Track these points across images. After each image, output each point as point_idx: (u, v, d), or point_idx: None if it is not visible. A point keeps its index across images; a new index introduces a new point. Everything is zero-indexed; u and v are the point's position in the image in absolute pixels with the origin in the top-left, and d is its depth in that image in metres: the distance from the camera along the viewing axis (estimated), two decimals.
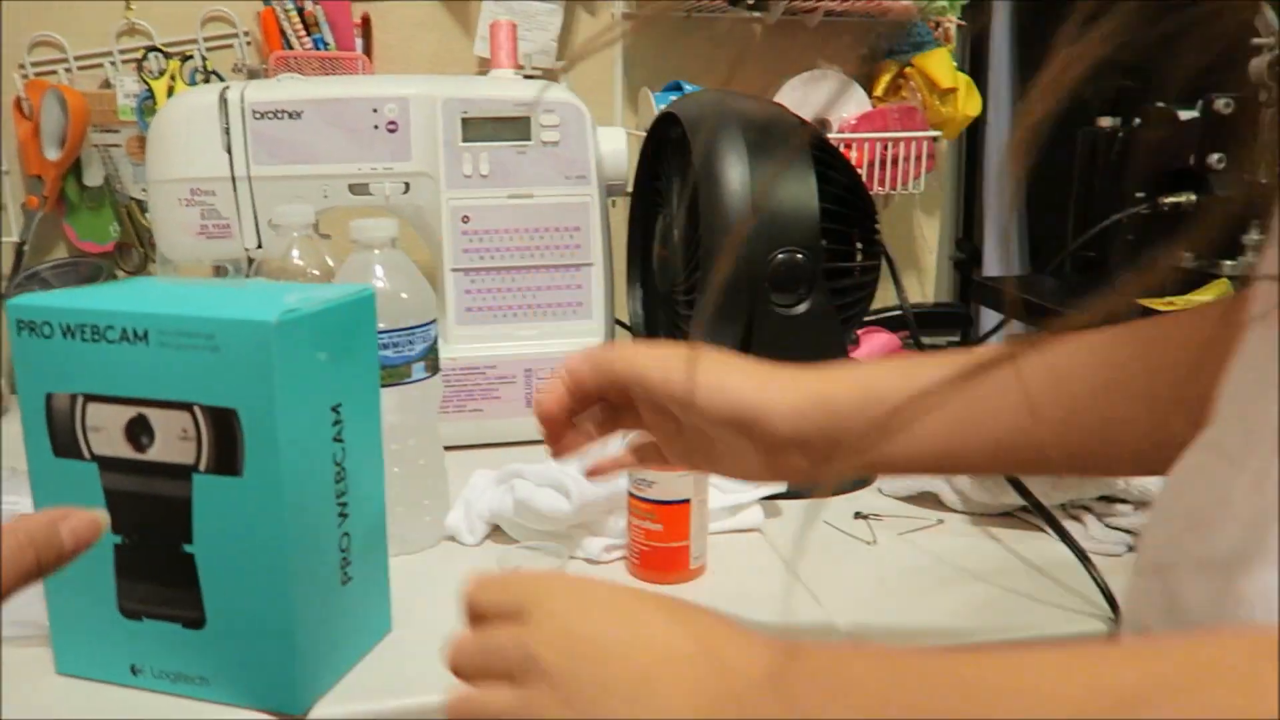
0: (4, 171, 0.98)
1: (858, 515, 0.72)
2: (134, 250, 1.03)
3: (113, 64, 0.98)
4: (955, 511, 0.72)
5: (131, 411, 0.47)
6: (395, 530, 0.63)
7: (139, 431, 0.47)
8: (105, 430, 0.48)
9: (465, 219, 0.83)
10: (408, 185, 0.83)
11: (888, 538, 0.68)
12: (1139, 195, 0.96)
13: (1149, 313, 0.81)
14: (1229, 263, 0.88)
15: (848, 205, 0.78)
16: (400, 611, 0.57)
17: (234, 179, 0.80)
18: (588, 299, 0.85)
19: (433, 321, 0.65)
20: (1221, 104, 0.85)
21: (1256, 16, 0.81)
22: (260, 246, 0.82)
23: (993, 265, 1.82)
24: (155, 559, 0.49)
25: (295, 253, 0.70)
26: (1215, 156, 0.86)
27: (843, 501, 0.74)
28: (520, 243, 0.83)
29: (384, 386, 0.62)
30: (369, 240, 0.63)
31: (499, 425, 0.84)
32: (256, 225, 0.82)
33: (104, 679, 0.51)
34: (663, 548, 0.60)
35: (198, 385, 0.46)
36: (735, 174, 0.74)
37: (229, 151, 0.80)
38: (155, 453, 0.47)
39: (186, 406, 0.46)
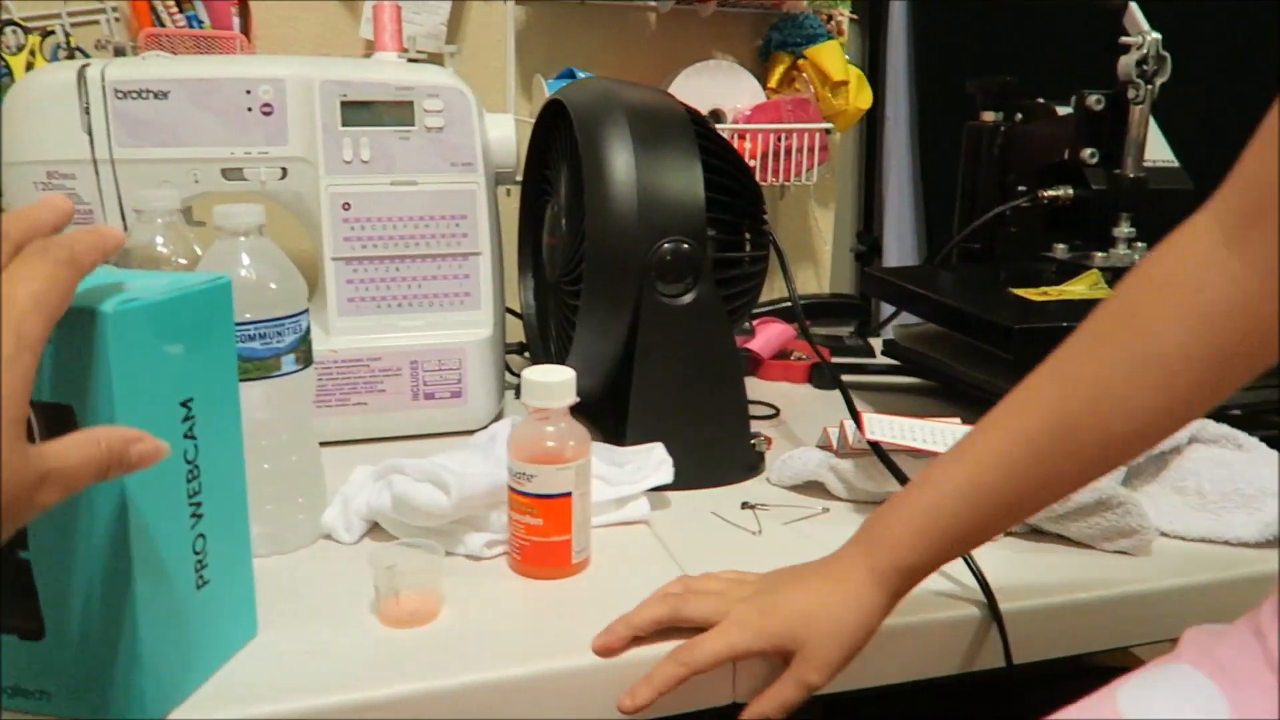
0: None
1: (745, 505, 0.72)
2: None
3: None
4: (840, 500, 0.73)
5: None
6: (267, 529, 0.61)
7: None
8: None
9: (346, 206, 0.80)
10: (285, 170, 0.80)
11: (773, 527, 0.69)
12: (1020, 189, 0.99)
13: (1027, 304, 0.83)
14: (1100, 254, 0.91)
15: (735, 195, 0.79)
16: (270, 614, 0.55)
17: (95, 161, 0.76)
18: (476, 289, 0.83)
19: (304, 312, 0.62)
20: (1093, 100, 0.88)
21: (1125, 16, 0.84)
22: (126, 235, 0.78)
23: (892, 257, 1.86)
24: None
25: (159, 239, 0.67)
26: (1088, 151, 0.89)
27: (733, 491, 0.74)
28: (404, 231, 0.81)
29: (251, 380, 0.59)
30: (234, 226, 0.60)
31: (383, 420, 0.82)
32: (122, 212, 0.77)
33: None
34: (544, 542, 0.59)
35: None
36: (620, 161, 0.73)
37: (89, 133, 0.75)
38: None
39: None
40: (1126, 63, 0.84)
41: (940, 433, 0.70)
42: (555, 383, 0.58)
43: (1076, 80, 0.95)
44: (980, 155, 1.02)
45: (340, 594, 0.58)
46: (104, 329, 0.42)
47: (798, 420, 0.92)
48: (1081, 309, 0.61)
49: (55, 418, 0.42)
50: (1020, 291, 0.82)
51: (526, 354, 1.06)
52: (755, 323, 1.07)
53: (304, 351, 0.62)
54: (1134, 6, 0.84)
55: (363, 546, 0.64)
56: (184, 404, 0.47)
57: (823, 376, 1.04)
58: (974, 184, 1.04)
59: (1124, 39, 0.84)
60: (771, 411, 0.93)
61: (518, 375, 0.99)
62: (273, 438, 0.61)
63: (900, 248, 1.87)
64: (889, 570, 0.53)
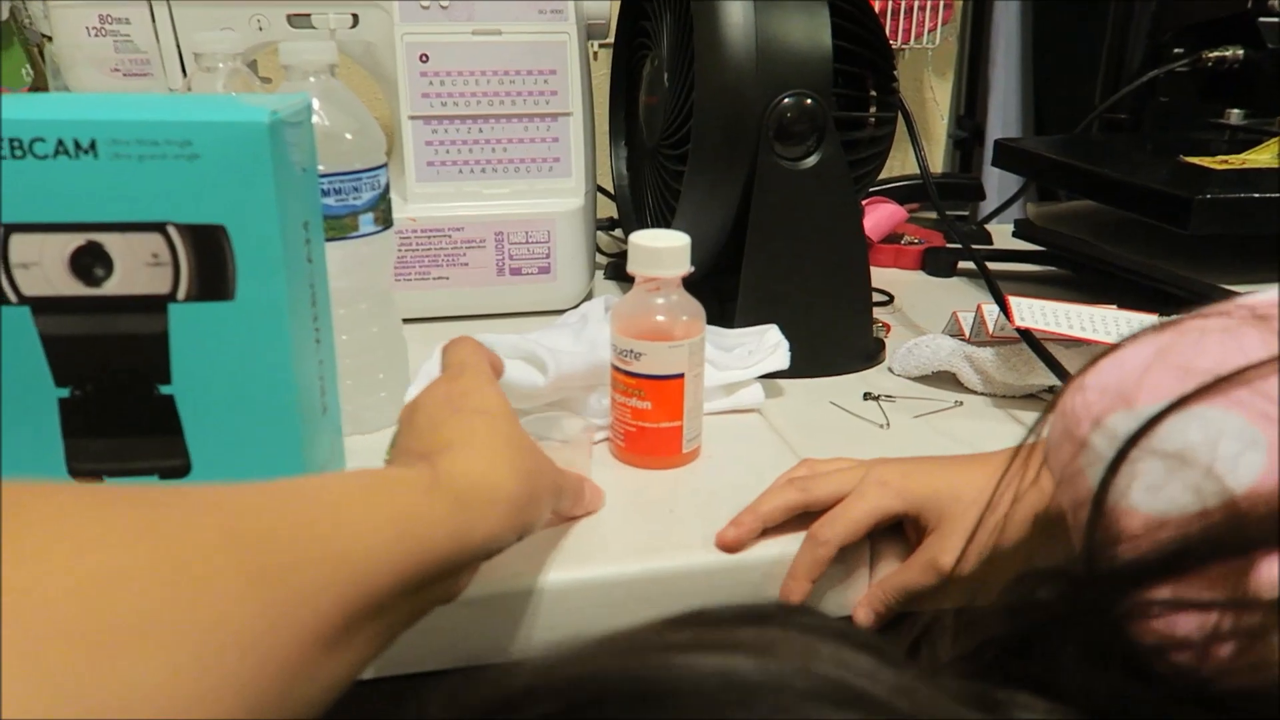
0: None
1: (867, 396, 0.64)
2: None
3: None
4: (975, 393, 0.65)
5: (78, 239, 0.39)
6: (346, 407, 0.55)
7: (90, 262, 0.40)
8: (40, 265, 0.39)
9: (424, 58, 0.72)
10: (356, 18, 0.72)
11: (902, 420, 0.61)
12: (1177, 51, 0.86)
13: (1206, 173, 0.73)
14: None
15: (864, 45, 0.68)
16: None
17: (150, 4, 0.69)
18: (566, 154, 0.75)
19: (383, 165, 0.55)
20: None
21: None
22: (187, 86, 0.71)
23: (995, 137, 1.71)
24: (118, 408, 0.42)
25: (221, 87, 0.60)
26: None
27: (851, 381, 0.67)
28: (488, 87, 0.73)
29: (327, 241, 0.53)
30: (303, 65, 0.53)
31: (466, 296, 0.75)
32: (181, 60, 0.71)
33: None
34: (652, 428, 0.52)
35: (168, 201, 0.39)
36: (734, 6, 0.63)
37: None
38: (115, 285, 0.40)
39: (156, 227, 0.39)
40: None
41: (1100, 319, 0.61)
42: (668, 248, 0.51)
43: None
44: (1132, 14, 0.89)
45: None
46: (262, 141, 0.38)
47: (913, 308, 0.83)
48: (1273, 179, 0.51)
49: (204, 241, 0.39)
50: (1194, 159, 0.72)
51: (615, 231, 0.98)
52: (864, 202, 0.98)
53: (383, 211, 0.56)
54: None
55: None
56: (304, 225, 0.43)
57: (938, 263, 0.94)
58: (1121, 46, 0.92)
59: None
60: (885, 298, 0.85)
61: (606, 254, 0.92)
62: (351, 307, 0.55)
63: (1006, 132, 1.72)
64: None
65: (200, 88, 0.60)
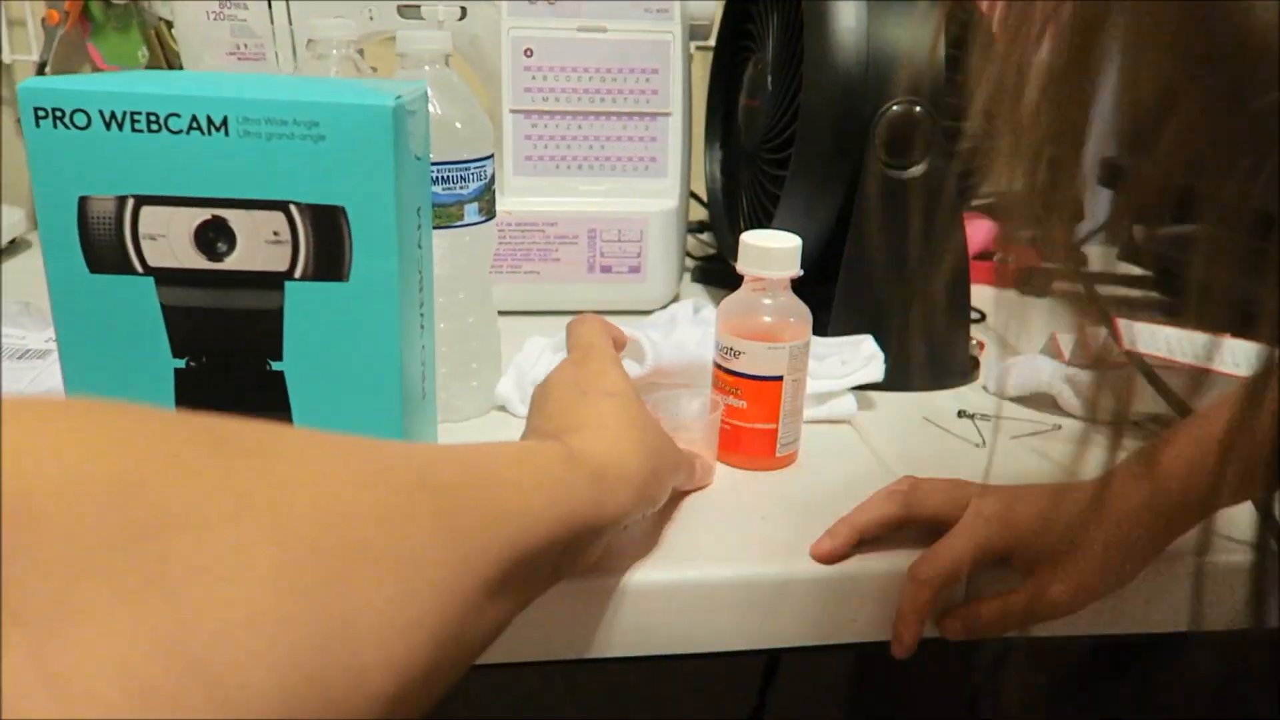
0: None
1: (961, 414, 0.63)
2: None
3: None
4: (1074, 417, 0.63)
5: (203, 214, 0.40)
6: (440, 395, 0.55)
7: (214, 237, 0.40)
8: (166, 238, 0.40)
9: (528, 52, 0.72)
10: (464, 10, 0.72)
11: (998, 441, 0.59)
12: None
13: None
14: None
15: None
16: None
17: None
18: (663, 154, 0.75)
19: (489, 157, 0.55)
20: None
21: None
22: (296, 70, 0.73)
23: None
24: (231, 381, 0.43)
25: (334, 72, 0.61)
26: None
27: (943, 397, 0.65)
28: (589, 84, 0.73)
29: (434, 229, 0.53)
30: (418, 54, 0.53)
31: (557, 290, 0.75)
32: (294, 47, 0.72)
33: None
34: (747, 428, 0.52)
35: (293, 181, 0.40)
36: (848, 10, 0.62)
37: None
38: (235, 260, 0.41)
39: (279, 205, 0.40)
40: None
41: (1214, 346, 0.59)
42: (779, 249, 0.50)
43: None
44: None
45: None
46: (386, 125, 0.39)
47: (1005, 327, 0.81)
48: None
49: (323, 221, 0.40)
50: None
51: (704, 235, 0.98)
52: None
53: (488, 202, 0.56)
54: None
55: None
56: (417, 211, 0.44)
57: (1034, 282, 0.92)
58: None
59: None
60: (978, 315, 0.83)
61: (694, 258, 0.91)
62: (450, 295, 0.56)
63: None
64: (1175, 501, 0.44)
65: (310, 73, 0.62)
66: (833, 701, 1.35)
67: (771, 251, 0.50)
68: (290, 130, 0.39)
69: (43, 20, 0.87)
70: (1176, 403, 0.55)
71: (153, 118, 0.39)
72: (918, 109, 0.62)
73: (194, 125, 0.39)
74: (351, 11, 0.71)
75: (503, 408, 0.59)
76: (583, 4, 0.72)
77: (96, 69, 0.92)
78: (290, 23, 0.71)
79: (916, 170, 0.63)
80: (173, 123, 0.39)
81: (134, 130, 0.39)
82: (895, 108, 0.62)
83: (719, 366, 0.52)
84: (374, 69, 0.74)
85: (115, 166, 0.39)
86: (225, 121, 0.39)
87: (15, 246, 0.88)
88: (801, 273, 0.51)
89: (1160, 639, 0.49)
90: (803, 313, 0.51)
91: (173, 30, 0.90)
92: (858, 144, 0.62)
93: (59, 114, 0.39)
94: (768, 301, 0.51)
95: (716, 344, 0.52)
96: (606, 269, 0.76)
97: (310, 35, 0.61)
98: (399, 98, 0.40)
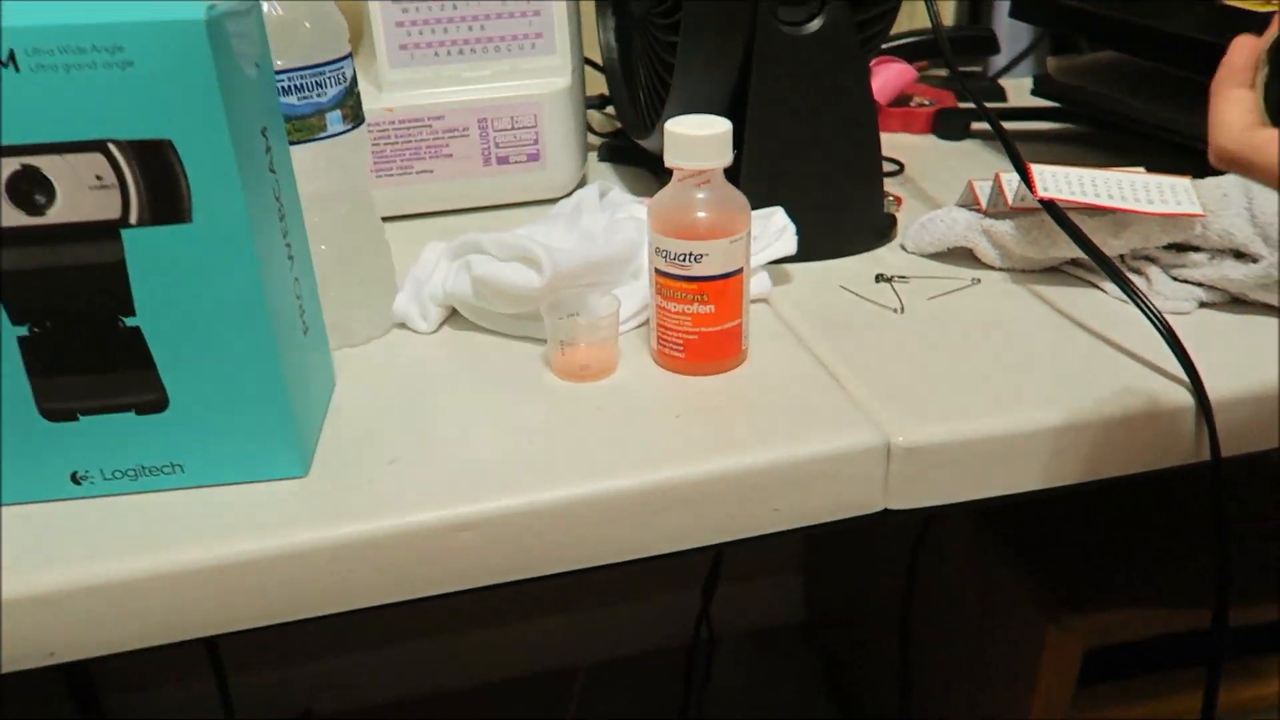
0: None
1: (879, 278, 0.61)
2: None
3: None
4: (993, 269, 0.62)
5: (12, 164, 0.36)
6: (332, 319, 0.52)
7: (28, 189, 0.36)
8: None
9: None
10: None
11: (917, 303, 0.58)
12: None
13: (1248, 16, 0.67)
14: None
15: None
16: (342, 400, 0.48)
17: None
18: (549, 28, 0.70)
19: (347, 56, 0.50)
20: None
21: None
22: None
23: None
24: (83, 343, 0.39)
25: None
26: None
27: (862, 262, 0.64)
28: None
29: (293, 143, 0.49)
30: None
31: (451, 188, 0.71)
32: None
33: (34, 499, 0.42)
34: (715, 331, 0.49)
35: (106, 116, 0.36)
36: None
37: None
38: (58, 212, 0.37)
39: (96, 145, 0.36)
40: None
41: (1129, 186, 0.57)
42: (713, 135, 0.46)
43: None
44: None
45: (463, 383, 0.50)
46: (200, 41, 0.35)
47: (925, 178, 0.79)
48: None
49: (150, 157, 0.36)
50: (1234, 2, 0.66)
51: (608, 109, 0.93)
52: (871, 63, 0.92)
53: (351, 107, 0.51)
54: None
55: (441, 336, 0.56)
56: (263, 133, 0.40)
57: (950, 125, 0.89)
58: None
59: None
60: (895, 167, 0.80)
61: (599, 135, 0.87)
62: (326, 213, 0.52)
63: None
64: None
65: None
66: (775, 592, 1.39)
67: (707, 140, 0.46)
68: (91, 59, 0.35)
69: None
70: (1092, 248, 0.54)
71: None
72: None
73: None
74: None
75: (403, 325, 0.56)
76: None
77: None
78: None
79: (814, 25, 0.59)
80: None
81: None
82: None
83: (672, 275, 0.48)
84: None
85: None
86: (13, 56, 0.34)
87: None
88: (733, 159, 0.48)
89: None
90: (741, 199, 0.48)
91: None
92: (749, 1, 0.58)
93: None
94: (707, 195, 0.48)
95: (661, 252, 0.48)
96: (503, 160, 0.71)
97: None
98: (213, 6, 0.35)
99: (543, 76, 0.70)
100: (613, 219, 0.61)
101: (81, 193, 0.37)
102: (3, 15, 0.34)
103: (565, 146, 0.72)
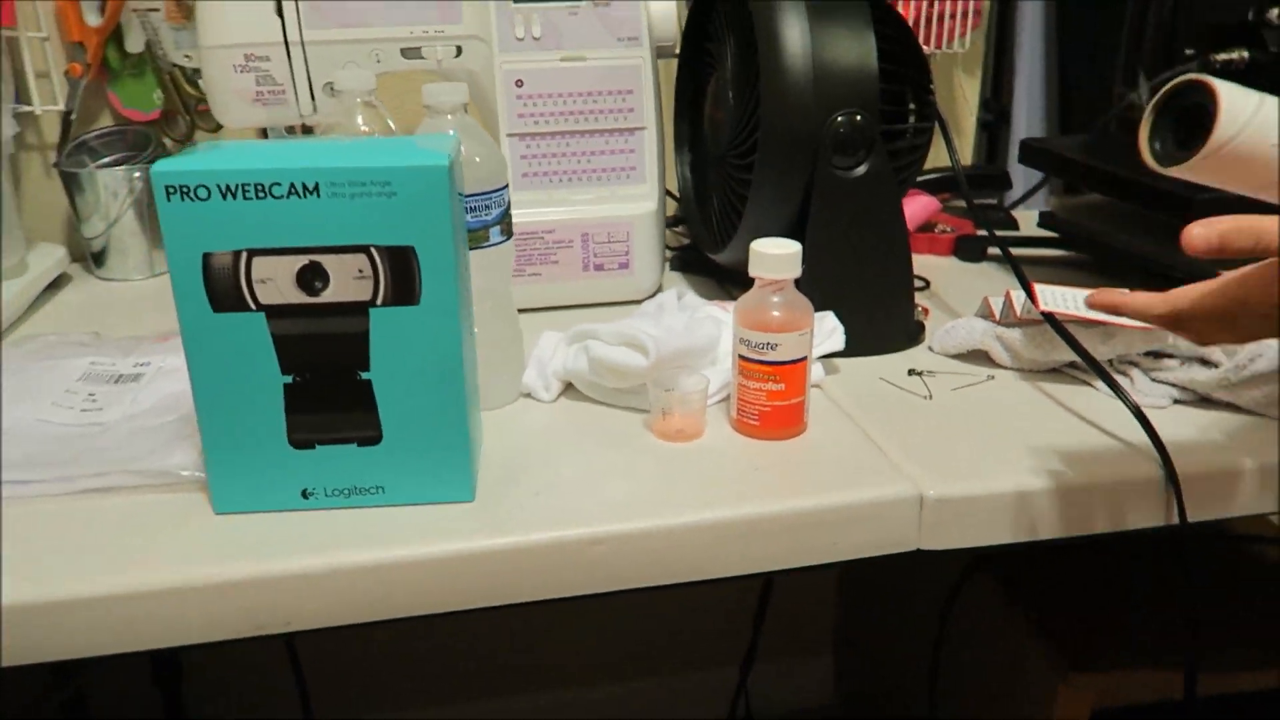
0: (44, 38, 0.97)
1: (911, 372, 0.75)
2: (179, 118, 1.02)
3: None
4: (1005, 368, 0.75)
5: (302, 260, 0.51)
6: (479, 389, 0.66)
7: (312, 278, 0.51)
8: (274, 281, 0.51)
9: (519, 83, 0.82)
10: (460, 49, 0.82)
11: (942, 393, 0.72)
12: (1188, 53, 0.95)
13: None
14: None
15: (902, 64, 0.78)
16: (489, 449, 0.61)
17: (287, 44, 0.80)
18: (641, 163, 0.86)
19: (505, 186, 0.66)
20: None
21: None
22: (315, 111, 0.82)
23: (1021, 127, 1.80)
24: (329, 390, 0.53)
25: (360, 118, 0.71)
26: (1275, 11, 0.85)
27: (897, 359, 0.77)
28: (574, 107, 0.83)
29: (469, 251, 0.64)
30: (440, 105, 0.63)
31: (557, 289, 0.86)
32: (311, 89, 0.81)
33: (270, 509, 0.55)
34: (786, 405, 0.63)
35: (373, 228, 0.50)
36: (794, 33, 0.73)
37: (281, 16, 0.79)
38: (329, 294, 0.51)
39: (362, 249, 0.51)
40: None
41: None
42: (788, 254, 0.62)
43: None
44: (1148, 16, 0.98)
45: (575, 440, 0.64)
46: (443, 180, 0.50)
47: (948, 292, 0.94)
48: None
49: (398, 258, 0.51)
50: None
51: (678, 228, 1.09)
52: None
53: (507, 224, 0.66)
54: None
55: (559, 405, 0.70)
56: (459, 245, 0.54)
57: (969, 250, 1.04)
58: (1138, 48, 1.01)
59: None
60: (923, 284, 0.95)
61: (672, 249, 1.02)
62: (480, 305, 0.66)
63: (1030, 117, 1.80)
64: None
65: (331, 113, 0.71)
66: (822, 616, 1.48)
67: (783, 257, 0.61)
68: (369, 189, 0.50)
69: (66, 73, 0.95)
70: (1084, 353, 0.67)
71: (260, 188, 0.49)
72: (859, 118, 0.73)
73: (293, 191, 0.49)
74: (360, 55, 0.81)
75: (529, 394, 0.70)
76: (564, 38, 0.82)
77: (116, 113, 1.00)
78: (308, 70, 0.80)
79: (861, 170, 0.75)
80: (275, 190, 0.49)
81: (245, 199, 0.49)
82: (840, 118, 0.73)
83: (753, 360, 0.63)
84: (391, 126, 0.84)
85: (231, 227, 0.50)
86: (317, 186, 0.49)
87: (60, 281, 0.97)
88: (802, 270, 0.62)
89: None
90: (806, 303, 0.63)
91: (186, 74, 0.99)
92: (811, 149, 0.74)
93: (185, 190, 0.49)
94: (781, 299, 0.62)
95: (746, 341, 0.63)
96: (599, 267, 0.86)
97: (337, 86, 0.71)
98: (449, 155, 0.51)
99: (635, 201, 0.86)
100: (693, 317, 0.75)
101: (347, 281, 0.51)
102: (315, 159, 0.50)
103: (649, 257, 0.87)
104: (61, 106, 0.96)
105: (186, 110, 1.01)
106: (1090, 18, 1.32)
